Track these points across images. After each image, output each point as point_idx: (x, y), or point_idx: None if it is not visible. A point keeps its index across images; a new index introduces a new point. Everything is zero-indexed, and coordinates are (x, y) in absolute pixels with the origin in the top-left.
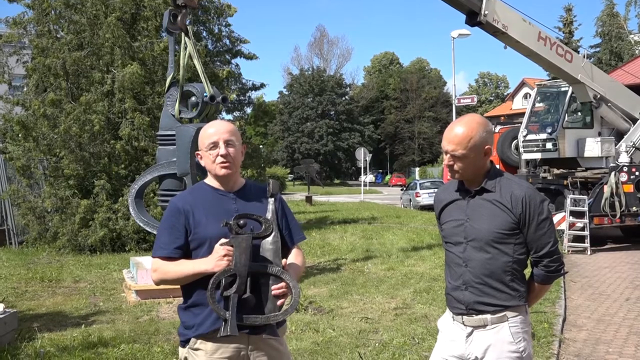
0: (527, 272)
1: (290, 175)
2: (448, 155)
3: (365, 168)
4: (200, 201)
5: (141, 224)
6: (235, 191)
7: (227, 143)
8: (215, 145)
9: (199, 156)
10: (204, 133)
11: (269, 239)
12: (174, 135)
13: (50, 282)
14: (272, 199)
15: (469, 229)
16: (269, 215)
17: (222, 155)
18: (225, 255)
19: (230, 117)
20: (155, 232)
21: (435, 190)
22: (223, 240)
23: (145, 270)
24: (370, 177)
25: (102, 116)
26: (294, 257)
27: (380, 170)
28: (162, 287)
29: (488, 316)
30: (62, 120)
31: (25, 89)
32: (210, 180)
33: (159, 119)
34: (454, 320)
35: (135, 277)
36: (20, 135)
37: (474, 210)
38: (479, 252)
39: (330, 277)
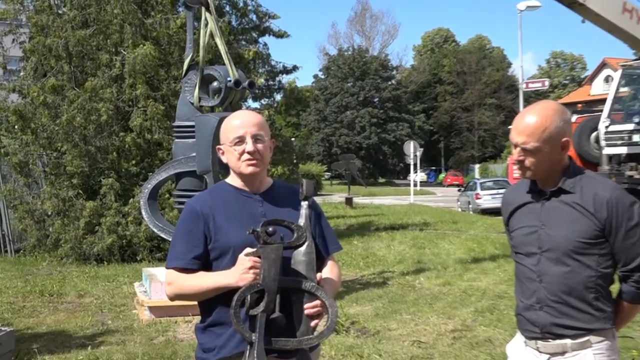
0: (614, 288)
1: (327, 173)
2: (518, 148)
3: (415, 165)
4: (222, 203)
5: (155, 230)
6: (261, 192)
7: (256, 138)
8: (241, 140)
9: (221, 151)
10: (228, 125)
11: (302, 249)
12: (193, 126)
13: (52, 297)
14: (306, 202)
15: (544, 237)
16: (301, 221)
17: (249, 152)
18: (251, 268)
19: (257, 105)
20: (170, 238)
21: (499, 191)
22: (249, 250)
23: (160, 283)
24: (421, 176)
25: (110, 104)
26: (329, 270)
27: (433, 168)
28: (178, 303)
29: (568, 341)
30: (65, 110)
31: (22, 74)
32: (232, 180)
33: (176, 108)
34: (526, 345)
35: (148, 291)
36: (16, 126)
37: (550, 215)
38: (556, 264)
39: (375, 293)
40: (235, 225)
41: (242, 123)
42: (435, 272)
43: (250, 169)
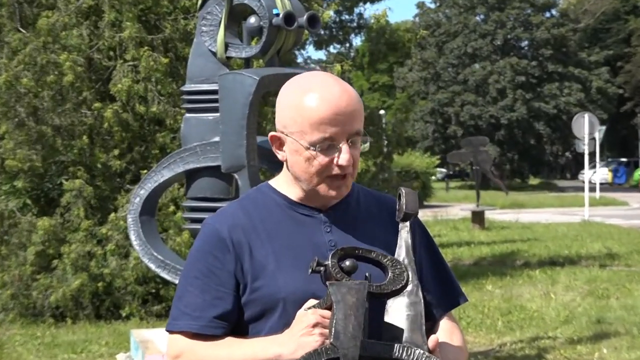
0: None
1: (440, 169)
2: None
3: (592, 154)
4: (264, 225)
5: (152, 266)
6: (330, 208)
7: (354, 140)
8: (331, 142)
9: (277, 142)
10: (309, 107)
11: (403, 298)
12: (215, 91)
13: None
14: (407, 223)
15: None
16: (401, 253)
17: (342, 167)
18: (316, 325)
19: (322, 54)
20: (176, 280)
21: None
22: (312, 302)
23: (161, 355)
24: (602, 173)
25: (78, 56)
26: (447, 334)
27: (624, 160)
28: None
29: None
30: (2, 65)
31: None
32: (283, 185)
33: (186, 61)
34: None
35: None
36: None
37: None
38: None
39: None
40: (287, 263)
41: (333, 111)
42: (629, 339)
43: (338, 191)
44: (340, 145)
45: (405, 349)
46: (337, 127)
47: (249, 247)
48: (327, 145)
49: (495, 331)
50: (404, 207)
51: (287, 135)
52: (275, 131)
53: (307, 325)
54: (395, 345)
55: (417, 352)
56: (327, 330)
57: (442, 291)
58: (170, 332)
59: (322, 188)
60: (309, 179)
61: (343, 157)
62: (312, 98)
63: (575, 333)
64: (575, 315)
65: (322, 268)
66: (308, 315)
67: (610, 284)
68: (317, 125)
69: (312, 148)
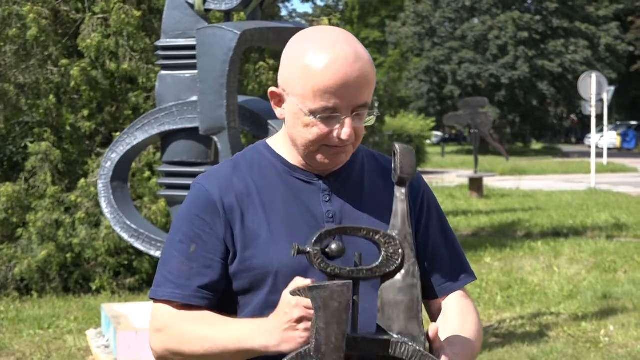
0: None
1: (435, 132)
2: None
3: (599, 117)
4: (259, 190)
5: (124, 236)
6: (330, 174)
7: (359, 113)
8: (333, 112)
9: (276, 98)
10: (313, 72)
11: (399, 280)
12: (192, 47)
13: None
14: (402, 188)
15: None
16: (396, 223)
17: (342, 139)
18: (301, 320)
19: (309, 7)
20: (154, 253)
21: None
22: (300, 283)
23: (134, 331)
24: (610, 137)
25: (43, 7)
26: (459, 317)
27: (634, 124)
28: None
29: None
30: None
31: None
32: (280, 146)
33: (161, 14)
34: None
35: (112, 346)
36: None
37: None
38: None
39: (525, 353)
40: (281, 234)
41: (341, 80)
42: (637, 315)
43: (336, 160)
44: (344, 117)
45: (399, 345)
46: (342, 98)
47: (241, 213)
48: (329, 116)
49: (494, 307)
50: (398, 169)
51: (288, 95)
52: (277, 87)
53: (291, 320)
54: (388, 341)
55: (411, 349)
56: (312, 328)
57: (452, 264)
58: (154, 300)
59: (319, 156)
60: (305, 144)
61: (344, 131)
62: (320, 61)
63: (580, 309)
64: (580, 290)
65: (304, 252)
66: (292, 307)
67: (618, 256)
68: (321, 93)
69: (312, 116)
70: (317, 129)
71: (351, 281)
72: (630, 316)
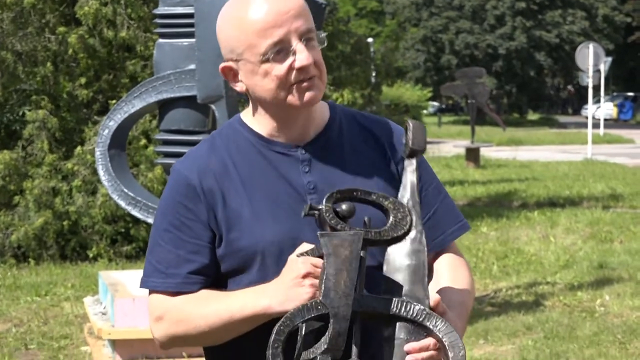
0: None
1: (432, 102)
2: None
3: (596, 88)
4: (236, 168)
5: (121, 203)
6: (308, 143)
7: (306, 38)
8: (282, 45)
9: (231, 73)
10: (245, 22)
11: (405, 244)
12: (191, 15)
13: None
14: (412, 160)
15: None
16: (405, 194)
17: (302, 68)
18: (308, 276)
19: None
20: (151, 221)
21: None
22: (306, 246)
23: (132, 298)
24: (607, 108)
25: None
26: (451, 274)
27: (630, 95)
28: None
29: None
30: None
31: None
32: (251, 120)
33: None
34: None
35: (109, 313)
36: None
37: None
38: None
39: (521, 322)
40: (264, 211)
41: (274, 12)
42: (633, 285)
43: (308, 96)
44: (293, 46)
45: (404, 304)
46: (283, 27)
47: (221, 194)
48: (279, 49)
49: (490, 276)
50: (410, 142)
51: (237, 59)
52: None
53: (297, 276)
54: (393, 300)
55: (417, 308)
56: (319, 282)
57: (442, 222)
58: (149, 290)
59: (292, 99)
60: (273, 97)
61: (300, 57)
62: (248, 9)
63: (576, 279)
64: (576, 260)
65: (315, 212)
66: (298, 263)
67: (614, 226)
68: (262, 32)
69: (264, 58)
70: (274, 72)
71: (362, 231)
72: (625, 286)
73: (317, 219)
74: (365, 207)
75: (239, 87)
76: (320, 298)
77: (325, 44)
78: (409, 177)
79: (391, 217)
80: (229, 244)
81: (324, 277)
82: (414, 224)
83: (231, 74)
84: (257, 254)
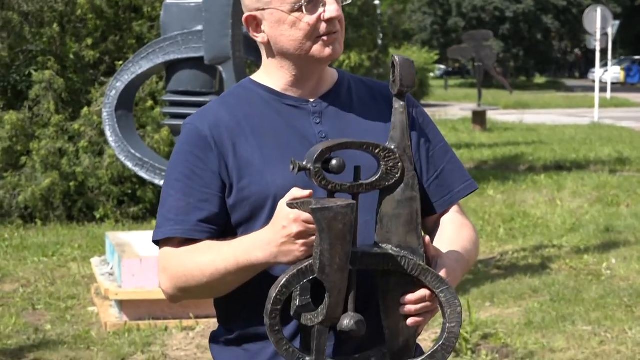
0: None
1: (439, 66)
2: None
3: (603, 51)
4: (248, 121)
5: (129, 164)
6: (320, 97)
7: None
8: None
9: (254, 23)
10: None
11: (398, 192)
12: None
13: None
14: (401, 100)
15: None
16: (395, 135)
17: (330, 20)
18: (299, 236)
19: None
20: (158, 182)
21: None
22: (296, 194)
23: (139, 259)
24: (614, 72)
25: None
26: (452, 231)
27: (638, 58)
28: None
29: None
30: None
31: None
32: (264, 77)
33: None
34: None
35: (117, 273)
36: None
37: None
38: None
39: (527, 285)
40: (275, 157)
41: None
42: (639, 249)
43: (332, 49)
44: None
45: (400, 259)
46: None
47: (232, 143)
48: (310, 1)
49: (497, 239)
50: (398, 80)
51: (264, 8)
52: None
53: (290, 235)
54: (389, 254)
55: (412, 262)
56: (311, 239)
57: (444, 180)
58: (157, 243)
59: (317, 50)
60: (299, 46)
61: (329, 8)
62: None
63: (582, 242)
64: (583, 223)
65: (304, 168)
66: (290, 220)
67: (621, 190)
68: None
69: (296, 7)
70: (305, 21)
71: (355, 202)
72: (632, 249)
73: (307, 175)
74: (358, 155)
75: (261, 37)
76: (316, 274)
77: (350, 1)
78: (398, 117)
79: (382, 166)
80: (240, 192)
81: (319, 252)
82: (405, 170)
83: (254, 24)
84: (268, 198)
